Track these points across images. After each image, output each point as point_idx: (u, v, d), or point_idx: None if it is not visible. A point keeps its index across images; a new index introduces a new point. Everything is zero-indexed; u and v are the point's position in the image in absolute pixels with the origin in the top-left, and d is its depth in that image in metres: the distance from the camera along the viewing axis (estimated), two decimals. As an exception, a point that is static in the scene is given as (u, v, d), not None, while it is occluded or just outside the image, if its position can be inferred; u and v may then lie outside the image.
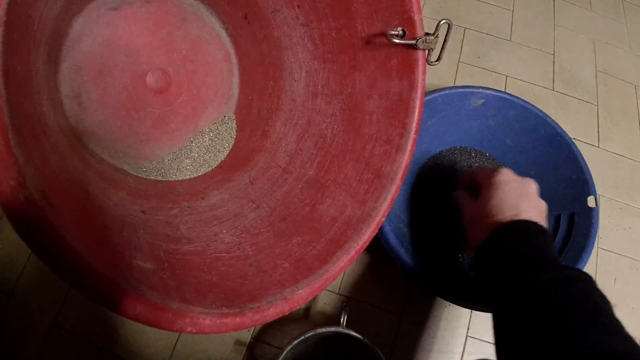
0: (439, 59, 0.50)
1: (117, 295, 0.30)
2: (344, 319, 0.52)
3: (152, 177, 0.56)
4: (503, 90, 0.74)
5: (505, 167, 0.69)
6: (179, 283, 0.38)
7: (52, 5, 0.41)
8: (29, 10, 0.35)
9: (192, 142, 0.60)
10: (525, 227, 0.44)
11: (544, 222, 0.46)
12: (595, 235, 0.58)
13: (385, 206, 0.50)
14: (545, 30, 0.92)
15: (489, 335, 0.64)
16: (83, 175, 0.43)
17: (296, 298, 0.42)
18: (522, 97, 0.66)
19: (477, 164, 0.69)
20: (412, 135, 0.51)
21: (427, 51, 0.49)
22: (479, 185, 0.53)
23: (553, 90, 0.85)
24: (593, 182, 0.62)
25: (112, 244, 0.36)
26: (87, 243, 0.31)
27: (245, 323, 0.38)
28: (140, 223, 0.44)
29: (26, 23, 0.35)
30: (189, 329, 0.34)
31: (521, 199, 0.47)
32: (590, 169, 0.63)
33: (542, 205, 0.49)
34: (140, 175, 0.56)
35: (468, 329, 0.64)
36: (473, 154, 0.69)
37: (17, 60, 0.34)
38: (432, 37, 0.47)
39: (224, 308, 0.37)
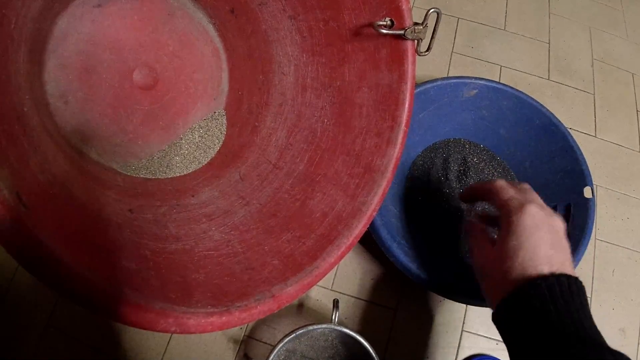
0: (428, 49, 0.49)
1: (96, 297, 0.29)
2: (335, 316, 0.51)
3: (141, 175, 0.56)
4: (497, 80, 0.74)
5: (499, 158, 0.69)
6: (163, 282, 0.37)
7: (31, 3, 0.41)
8: (4, 9, 0.35)
9: (181, 139, 0.59)
10: (563, 285, 0.36)
11: (573, 271, 0.39)
12: (592, 227, 0.58)
13: (376, 200, 0.50)
14: (540, 19, 0.90)
15: (485, 330, 0.63)
16: (67, 176, 0.42)
17: (285, 295, 0.42)
18: (516, 87, 0.65)
19: (474, 159, 0.68)
20: (403, 127, 0.50)
21: (416, 41, 0.48)
22: (499, 214, 0.44)
23: (548, 79, 0.84)
24: (589, 173, 0.61)
25: (94, 244, 0.36)
26: (67, 245, 0.30)
27: (232, 322, 0.37)
28: (126, 222, 0.43)
29: (1, 22, 0.35)
30: (173, 329, 0.33)
31: (556, 248, 0.39)
32: (586, 159, 0.62)
33: (569, 250, 0.42)
34: (129, 173, 0.55)
35: (463, 323, 0.63)
36: (467, 146, 0.69)
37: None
38: (421, 27, 0.46)
39: (209, 307, 0.37)
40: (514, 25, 0.89)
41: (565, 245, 0.41)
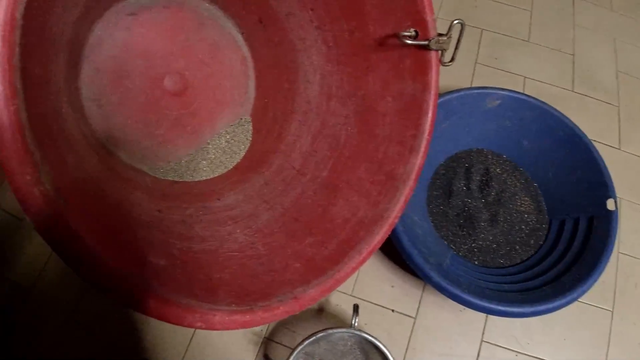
0: (452, 59, 0.50)
1: (127, 290, 0.31)
2: (355, 320, 0.52)
3: (169, 178, 0.57)
4: (521, 91, 0.74)
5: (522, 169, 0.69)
6: (189, 280, 0.38)
7: (71, 10, 0.43)
8: (46, 15, 0.37)
9: (208, 144, 0.61)
10: None
11: None
12: (615, 239, 0.57)
13: (398, 208, 0.50)
14: (564, 31, 0.90)
15: (504, 340, 0.63)
16: (100, 175, 0.44)
17: (307, 297, 0.42)
18: (540, 98, 0.65)
19: (497, 169, 0.69)
20: (426, 136, 0.51)
21: (440, 52, 0.49)
22: None
23: (572, 91, 0.83)
24: (612, 185, 0.60)
25: (125, 240, 0.37)
26: (101, 238, 0.32)
27: (255, 320, 0.38)
28: (155, 222, 0.45)
29: (43, 27, 0.37)
30: (199, 324, 0.34)
31: None
32: (610, 171, 0.61)
33: None
34: (157, 175, 0.57)
35: (483, 333, 0.63)
36: (489, 156, 0.69)
37: (35, 63, 0.35)
38: (445, 38, 0.47)
39: (233, 305, 0.38)
40: (538, 36, 0.89)
41: None
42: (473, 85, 0.81)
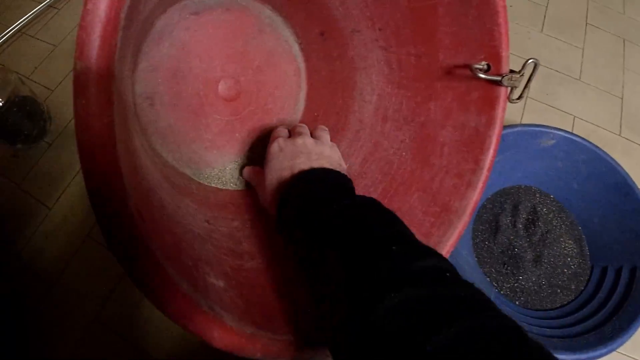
0: (520, 97, 0.48)
1: (198, 318, 0.29)
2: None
3: (213, 185, 0.56)
4: (570, 131, 0.72)
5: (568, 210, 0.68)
6: (247, 304, 0.37)
7: (147, 6, 0.41)
8: (134, 12, 0.35)
9: (254, 153, 0.59)
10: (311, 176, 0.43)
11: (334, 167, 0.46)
12: (657, 292, 0.56)
13: (451, 242, 0.49)
14: (614, 72, 0.89)
15: None
16: (155, 180, 0.43)
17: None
18: (588, 140, 0.64)
19: (544, 209, 0.67)
20: (485, 172, 0.50)
21: (509, 88, 0.48)
22: None
23: (620, 135, 0.82)
24: (658, 238, 0.59)
25: (187, 257, 0.35)
26: (168, 257, 0.30)
27: (309, 355, 0.37)
28: (206, 235, 0.43)
29: (130, 25, 0.35)
30: (259, 355, 0.33)
31: (296, 155, 0.47)
32: (655, 223, 0.60)
33: (333, 153, 0.49)
34: (201, 181, 0.55)
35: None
36: (537, 195, 0.68)
37: (120, 67, 0.34)
38: (518, 75, 0.46)
39: (290, 335, 0.36)
40: (589, 76, 0.87)
41: (309, 150, 0.48)
42: (523, 120, 0.80)
